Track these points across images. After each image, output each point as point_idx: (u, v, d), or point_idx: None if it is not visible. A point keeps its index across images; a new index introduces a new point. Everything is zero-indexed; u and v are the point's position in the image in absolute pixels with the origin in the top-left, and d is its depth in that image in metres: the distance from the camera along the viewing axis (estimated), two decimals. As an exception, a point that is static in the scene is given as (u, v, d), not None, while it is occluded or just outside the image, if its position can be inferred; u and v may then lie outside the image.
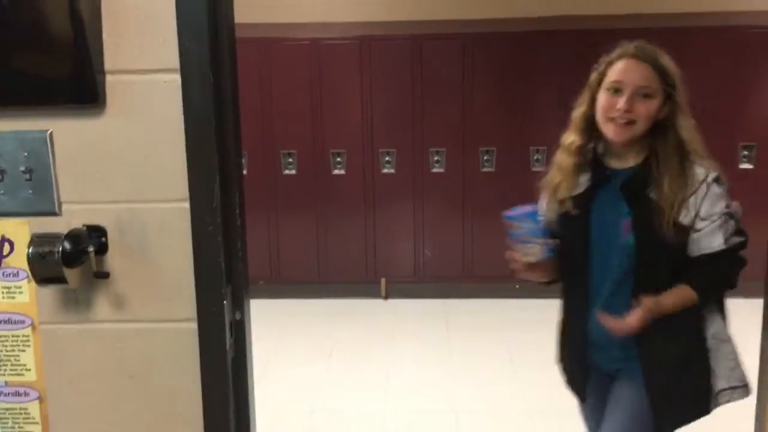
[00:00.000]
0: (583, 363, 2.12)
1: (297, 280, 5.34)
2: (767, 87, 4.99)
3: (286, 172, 5.21)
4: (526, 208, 1.98)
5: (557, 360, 2.23)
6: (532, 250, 1.97)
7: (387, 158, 5.17)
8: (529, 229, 1.96)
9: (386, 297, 5.38)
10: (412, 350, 4.48)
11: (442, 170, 5.17)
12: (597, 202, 2.00)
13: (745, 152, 5.01)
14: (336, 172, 5.20)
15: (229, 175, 1.45)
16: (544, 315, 4.88)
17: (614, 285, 1.97)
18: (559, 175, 2.06)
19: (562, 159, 2.06)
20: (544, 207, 2.09)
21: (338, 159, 5.18)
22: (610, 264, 1.97)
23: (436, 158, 5.15)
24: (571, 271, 2.07)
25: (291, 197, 5.23)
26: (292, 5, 5.22)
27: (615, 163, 1.99)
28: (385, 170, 5.19)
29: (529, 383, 3.91)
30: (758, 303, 1.90)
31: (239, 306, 1.52)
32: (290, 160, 5.19)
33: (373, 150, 5.16)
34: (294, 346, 4.53)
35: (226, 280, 1.46)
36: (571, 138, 2.05)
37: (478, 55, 5.01)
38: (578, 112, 2.04)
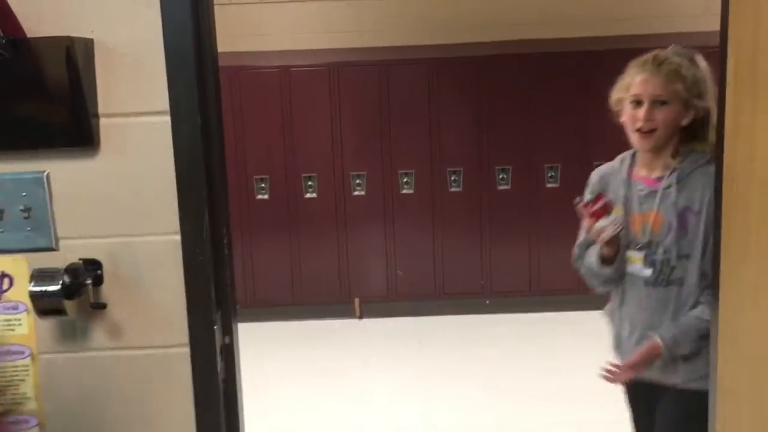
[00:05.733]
0: None
1: (272, 302, 5.41)
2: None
3: (259, 196, 5.29)
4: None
5: None
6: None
7: (358, 181, 5.28)
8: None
9: (360, 316, 5.47)
10: (387, 369, 4.57)
11: (411, 191, 5.30)
12: None
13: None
14: (308, 195, 5.30)
15: (217, 208, 1.54)
16: (516, 329, 5.04)
17: None
18: None
19: None
20: None
21: (310, 183, 5.29)
22: None
23: (405, 180, 5.28)
24: None
25: (264, 221, 5.31)
26: (259, 34, 5.34)
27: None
28: (356, 192, 5.30)
29: (503, 398, 4.02)
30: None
31: (228, 331, 1.61)
32: (263, 185, 5.28)
33: (343, 173, 5.28)
34: (271, 369, 4.59)
35: (216, 306, 1.56)
36: None
37: (443, 79, 5.17)
38: None
